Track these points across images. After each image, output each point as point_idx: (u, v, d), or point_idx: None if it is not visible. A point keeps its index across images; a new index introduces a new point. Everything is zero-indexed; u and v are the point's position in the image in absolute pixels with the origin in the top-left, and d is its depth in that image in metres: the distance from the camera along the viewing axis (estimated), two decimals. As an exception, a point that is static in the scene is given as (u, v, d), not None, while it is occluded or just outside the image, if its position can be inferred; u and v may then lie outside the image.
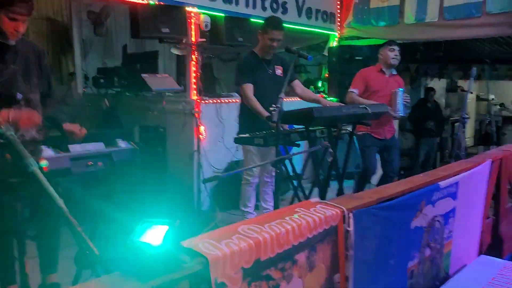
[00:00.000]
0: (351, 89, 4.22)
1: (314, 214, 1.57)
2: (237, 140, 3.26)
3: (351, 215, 1.65)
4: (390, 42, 4.30)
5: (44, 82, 2.59)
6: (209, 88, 5.09)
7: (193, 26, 4.64)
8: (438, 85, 10.66)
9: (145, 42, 6.62)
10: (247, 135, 3.14)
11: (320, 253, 1.58)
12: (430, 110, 7.46)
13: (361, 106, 3.05)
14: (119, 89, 5.81)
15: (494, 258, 2.61)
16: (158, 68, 5.81)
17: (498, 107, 11.30)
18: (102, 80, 5.75)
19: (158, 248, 1.05)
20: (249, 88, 3.54)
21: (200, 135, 4.73)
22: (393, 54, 4.21)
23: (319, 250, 1.57)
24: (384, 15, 5.63)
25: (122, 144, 3.20)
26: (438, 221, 2.30)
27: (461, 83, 11.57)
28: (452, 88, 11.29)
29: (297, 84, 3.84)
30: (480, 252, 2.93)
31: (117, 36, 6.89)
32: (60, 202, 1.62)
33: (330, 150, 2.46)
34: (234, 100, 4.97)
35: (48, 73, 2.63)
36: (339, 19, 6.28)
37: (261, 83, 3.60)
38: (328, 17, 6.16)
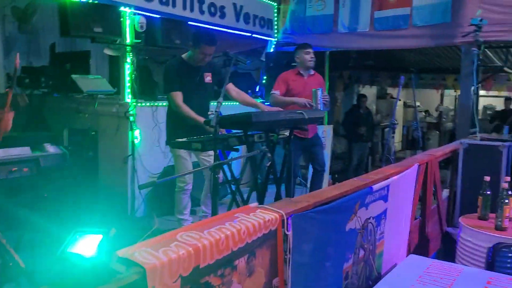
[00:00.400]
0: (272, 91, 4.33)
1: (254, 219, 1.56)
2: (174, 145, 3.19)
3: (289, 219, 1.67)
4: (305, 45, 4.44)
5: None
6: (147, 90, 4.95)
7: (128, 27, 4.51)
8: (369, 92, 11.16)
9: (75, 42, 6.32)
10: (184, 139, 3.08)
11: (259, 257, 1.57)
12: (362, 116, 7.77)
13: (298, 111, 3.10)
14: (46, 89, 5.50)
15: (422, 257, 2.74)
16: (90, 69, 5.57)
17: (423, 113, 12.05)
18: (27, 80, 5.41)
19: (91, 259, 0.98)
20: (178, 96, 3.49)
21: (135, 139, 4.59)
22: (309, 57, 4.36)
23: (258, 255, 1.56)
24: (319, 23, 5.80)
25: (50, 148, 3.01)
26: (371, 223, 2.39)
27: (390, 90, 12.20)
28: (382, 95, 11.88)
29: (231, 87, 3.81)
30: (409, 252, 3.07)
31: (44, 34, 6.51)
32: (-20, 211, 1.49)
33: (269, 155, 2.47)
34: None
35: None
36: (276, 26, 6.38)
37: (188, 90, 3.55)
38: (265, 23, 6.24)
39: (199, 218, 3.90)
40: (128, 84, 4.61)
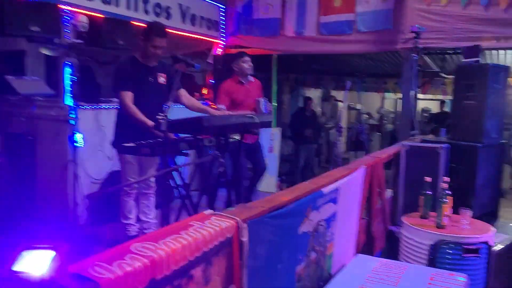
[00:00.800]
0: (218, 106, 4.34)
1: (210, 227, 1.53)
2: (121, 150, 3.07)
3: (245, 225, 1.65)
4: (242, 54, 4.51)
5: None
6: (89, 93, 4.75)
7: (68, 26, 4.31)
8: (314, 94, 11.42)
9: (7, 40, 5.96)
10: (131, 144, 2.98)
11: (215, 266, 1.55)
12: (308, 118, 7.90)
13: (248, 115, 3.09)
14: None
15: (369, 256, 2.83)
16: (25, 70, 5.26)
17: (366, 116, 12.50)
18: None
19: (42, 278, 0.92)
20: (128, 97, 3.35)
21: (76, 144, 4.39)
22: (247, 65, 4.44)
23: (214, 263, 1.54)
24: (266, 27, 5.84)
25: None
26: (322, 225, 2.43)
27: (334, 93, 12.55)
28: (326, 98, 12.20)
29: (183, 93, 3.75)
30: (357, 251, 3.16)
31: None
32: None
33: (221, 160, 2.45)
34: (114, 106, 4.73)
35: None
36: (223, 28, 6.35)
37: (141, 91, 3.42)
38: (212, 24, 6.19)
39: (142, 231, 3.75)
40: (68, 86, 4.40)
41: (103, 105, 4.67)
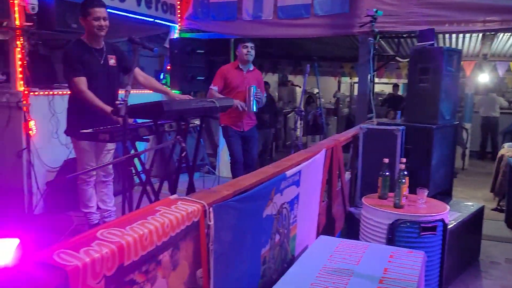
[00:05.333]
0: (211, 86, 4.37)
1: (176, 211, 1.52)
2: (78, 136, 2.97)
3: (211, 209, 1.65)
4: (243, 39, 4.52)
5: None
6: (41, 78, 4.55)
7: (17, 8, 4.09)
8: (271, 79, 11.44)
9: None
10: (90, 130, 2.89)
11: (183, 250, 1.54)
12: (266, 103, 7.92)
13: (209, 100, 3.07)
14: None
15: (331, 237, 2.90)
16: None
17: (322, 100, 12.65)
18: None
19: (6, 268, 0.88)
20: (82, 82, 3.20)
21: (29, 131, 4.21)
22: (245, 51, 4.43)
23: (182, 248, 1.53)
24: (223, 11, 5.76)
25: None
26: (285, 208, 2.46)
27: (290, 77, 12.63)
28: (283, 82, 12.25)
29: (138, 72, 3.60)
30: (318, 233, 3.23)
31: None
32: None
33: (183, 144, 2.41)
34: (69, 92, 4.56)
35: None
36: (179, 11, 6.23)
37: (92, 74, 3.29)
38: (168, 8, 6.06)
39: (103, 220, 3.67)
40: (19, 71, 4.20)
41: (57, 91, 4.49)
